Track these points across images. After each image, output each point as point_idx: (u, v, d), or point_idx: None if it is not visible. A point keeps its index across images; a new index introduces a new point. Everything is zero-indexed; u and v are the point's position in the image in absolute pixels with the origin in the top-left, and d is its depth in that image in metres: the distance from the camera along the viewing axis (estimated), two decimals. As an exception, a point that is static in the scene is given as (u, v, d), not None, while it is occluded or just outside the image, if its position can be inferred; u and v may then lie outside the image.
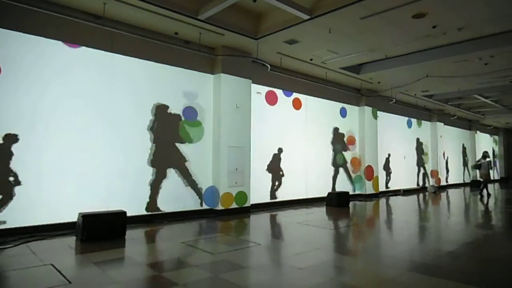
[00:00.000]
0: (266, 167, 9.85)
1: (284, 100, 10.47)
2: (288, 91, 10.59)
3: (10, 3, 5.66)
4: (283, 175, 10.29)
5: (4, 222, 5.76)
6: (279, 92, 10.34)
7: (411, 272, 4.12)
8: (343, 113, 12.53)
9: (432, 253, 5.11)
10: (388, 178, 14.81)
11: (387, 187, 14.66)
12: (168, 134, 7.79)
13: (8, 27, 5.87)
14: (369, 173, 13.02)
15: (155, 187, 7.47)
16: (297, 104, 10.85)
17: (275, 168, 10.11)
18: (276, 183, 10.14)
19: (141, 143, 7.34)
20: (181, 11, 6.63)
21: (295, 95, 10.80)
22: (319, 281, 3.80)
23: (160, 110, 7.68)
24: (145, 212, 7.27)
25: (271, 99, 10.11)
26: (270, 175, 9.96)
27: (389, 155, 14.97)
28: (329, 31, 7.51)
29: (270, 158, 10.01)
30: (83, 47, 6.64)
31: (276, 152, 10.18)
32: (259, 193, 9.47)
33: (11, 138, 5.88)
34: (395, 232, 6.78)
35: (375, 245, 5.75)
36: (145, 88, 7.47)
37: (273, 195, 10.01)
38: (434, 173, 17.52)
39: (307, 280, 3.86)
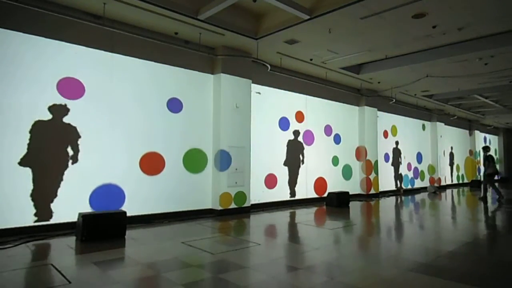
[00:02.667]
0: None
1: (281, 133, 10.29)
2: (285, 125, 10.33)
3: (11, 3, 5.65)
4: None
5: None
6: None
7: (412, 272, 4.12)
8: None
9: (432, 253, 5.11)
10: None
11: (400, 186, 14.89)
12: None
13: (8, 27, 5.86)
14: (368, 169, 13.02)
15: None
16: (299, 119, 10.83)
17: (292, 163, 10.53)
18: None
19: (143, 142, 7.35)
20: (181, 11, 6.62)
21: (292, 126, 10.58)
22: (319, 281, 3.81)
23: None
24: (145, 212, 7.27)
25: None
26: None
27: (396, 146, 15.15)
28: (329, 31, 7.51)
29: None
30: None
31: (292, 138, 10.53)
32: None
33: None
34: (395, 232, 6.78)
35: (375, 244, 5.75)
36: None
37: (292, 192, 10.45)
38: (434, 173, 17.51)
39: (307, 280, 3.86)
